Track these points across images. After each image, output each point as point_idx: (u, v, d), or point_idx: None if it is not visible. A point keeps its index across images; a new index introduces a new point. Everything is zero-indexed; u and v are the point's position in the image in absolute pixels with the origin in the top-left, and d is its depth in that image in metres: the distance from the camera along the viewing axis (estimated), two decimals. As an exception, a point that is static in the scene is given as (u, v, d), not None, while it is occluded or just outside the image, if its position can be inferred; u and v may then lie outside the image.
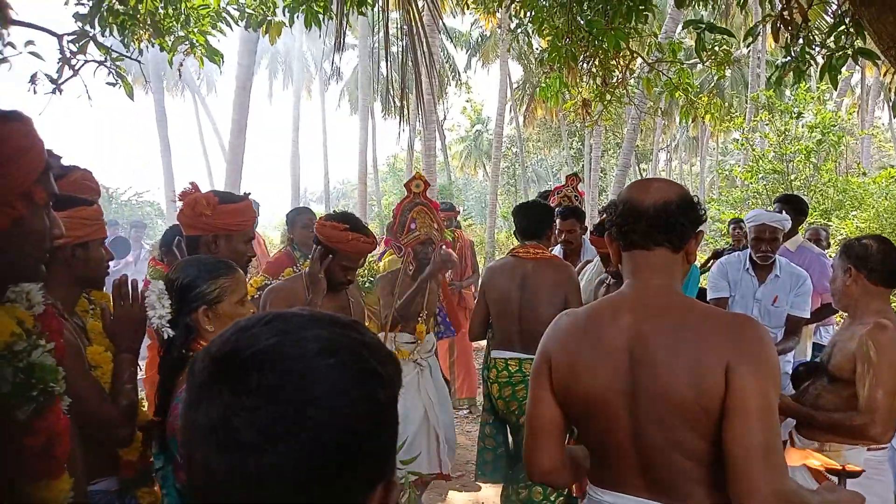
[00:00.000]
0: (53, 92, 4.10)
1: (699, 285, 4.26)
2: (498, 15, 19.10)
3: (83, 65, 4.22)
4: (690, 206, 1.63)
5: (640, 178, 20.64)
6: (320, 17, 4.78)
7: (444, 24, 9.90)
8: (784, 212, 4.77)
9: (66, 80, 4.14)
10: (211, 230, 2.50)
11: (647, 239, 1.62)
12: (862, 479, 2.49)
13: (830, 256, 5.71)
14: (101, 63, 4.34)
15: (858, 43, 3.96)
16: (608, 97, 6.34)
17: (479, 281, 4.58)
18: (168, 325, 1.90)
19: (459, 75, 30.51)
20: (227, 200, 2.57)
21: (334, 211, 3.18)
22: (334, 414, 0.65)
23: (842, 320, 2.99)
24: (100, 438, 1.91)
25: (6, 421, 1.20)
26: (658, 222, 1.60)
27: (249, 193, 2.76)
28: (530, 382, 1.72)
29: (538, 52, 9.39)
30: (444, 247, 4.09)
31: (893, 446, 3.72)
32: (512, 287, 3.77)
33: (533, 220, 3.94)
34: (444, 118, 30.91)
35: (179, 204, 2.59)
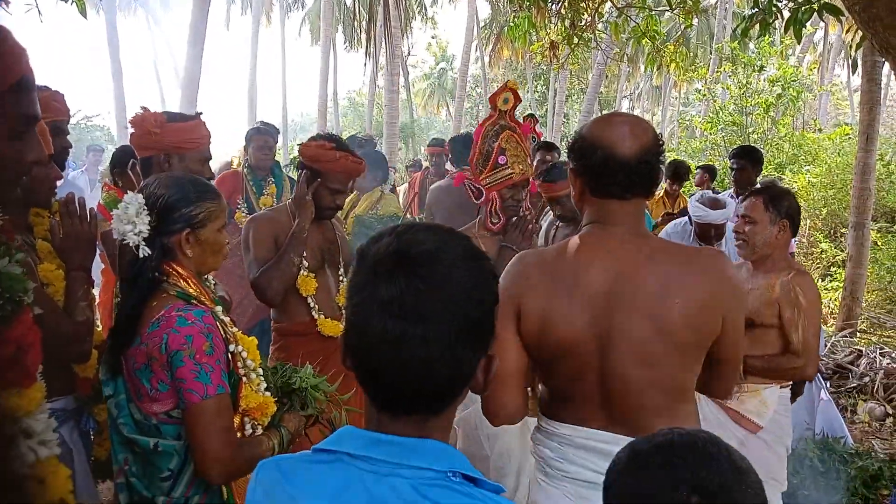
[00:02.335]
0: None
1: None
2: (468, -51, 18.61)
3: (32, -24, 4.00)
4: (660, 146, 1.61)
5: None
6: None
7: (412, -46, 9.61)
8: (740, 166, 4.86)
9: (14, -9, 3.92)
10: (161, 149, 2.44)
11: (626, 191, 1.59)
12: (776, 415, 2.73)
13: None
14: (51, -25, 4.12)
15: (824, -3, 4.00)
16: (576, 40, 6.30)
17: (427, 199, 4.87)
18: (144, 243, 1.70)
19: (426, 9, 29.81)
20: (177, 119, 2.51)
21: (318, 134, 2.99)
22: (472, 299, 0.92)
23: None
24: (57, 356, 1.90)
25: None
26: (640, 175, 1.57)
27: (201, 113, 2.69)
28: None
29: (507, -11, 9.21)
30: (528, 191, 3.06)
31: (828, 399, 3.95)
32: (452, 204, 4.28)
33: (468, 149, 4.19)
34: (409, 54, 30.32)
35: (132, 129, 2.52)
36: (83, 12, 4.39)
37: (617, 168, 1.56)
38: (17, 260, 1.26)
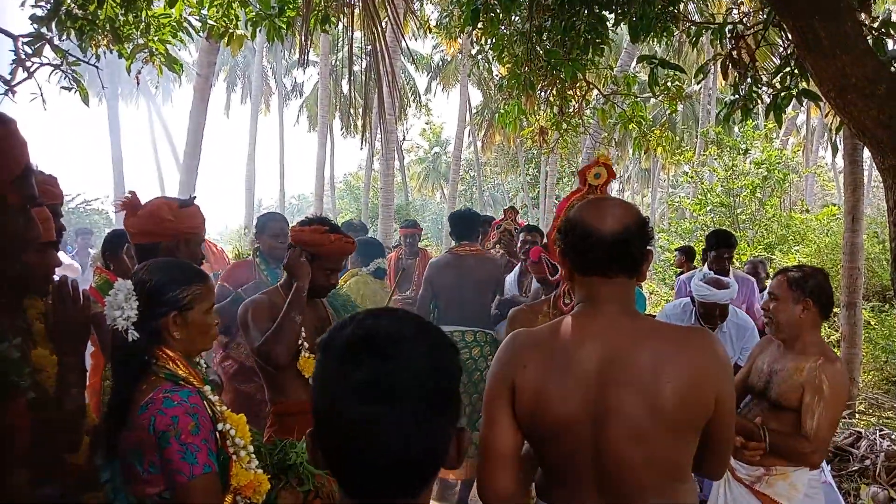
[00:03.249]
0: (6, 94, 4.00)
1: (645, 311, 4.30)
2: (459, 41, 19.34)
3: (38, 68, 4.13)
4: (644, 228, 1.65)
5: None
6: (283, 32, 4.80)
7: (406, 45, 9.96)
8: (728, 255, 5.07)
9: (20, 82, 4.05)
10: (174, 236, 2.48)
11: (606, 269, 1.62)
12: (806, 498, 2.67)
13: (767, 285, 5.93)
14: (56, 67, 4.26)
15: (802, 84, 4.16)
16: (564, 126, 6.47)
17: (425, 273, 5.04)
18: (133, 327, 1.75)
19: (420, 97, 30.72)
20: (185, 205, 2.58)
21: (307, 217, 3.08)
22: (440, 372, 0.96)
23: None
24: (47, 444, 1.87)
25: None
26: (616, 253, 1.61)
27: (195, 197, 2.76)
28: (486, 404, 1.68)
29: (498, 78, 9.54)
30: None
31: (830, 482, 3.88)
32: (455, 278, 4.73)
33: (467, 224, 4.94)
34: (404, 139, 31.05)
35: (123, 212, 2.57)
36: (86, 100, 4.52)
37: (595, 245, 1.61)
38: (15, 345, 1.27)
